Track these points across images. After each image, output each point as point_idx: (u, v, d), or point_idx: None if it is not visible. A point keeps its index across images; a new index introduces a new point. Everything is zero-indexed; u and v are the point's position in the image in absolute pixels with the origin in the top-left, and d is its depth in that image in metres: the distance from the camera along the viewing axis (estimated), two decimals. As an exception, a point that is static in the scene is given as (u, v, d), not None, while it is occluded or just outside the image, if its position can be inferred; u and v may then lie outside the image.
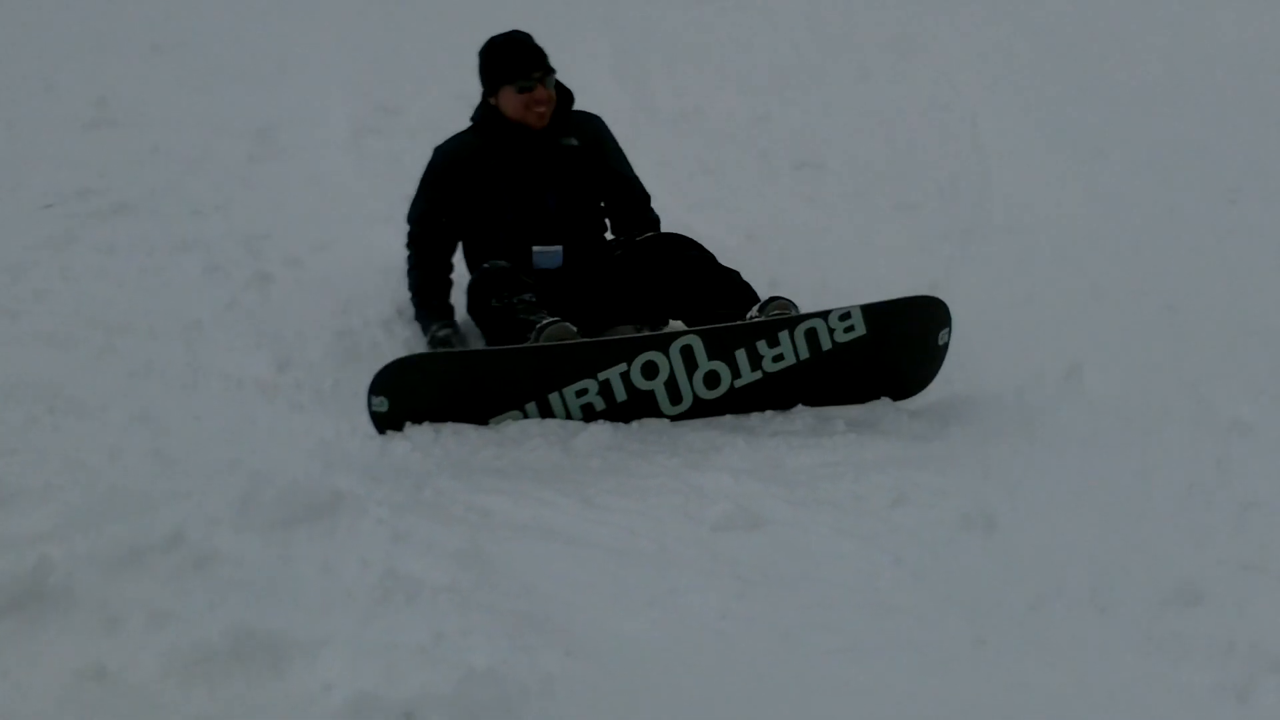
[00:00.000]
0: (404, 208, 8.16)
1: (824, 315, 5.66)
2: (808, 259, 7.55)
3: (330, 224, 7.97)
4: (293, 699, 3.38)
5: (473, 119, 6.49)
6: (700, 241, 6.27)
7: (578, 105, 6.59)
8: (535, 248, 6.22)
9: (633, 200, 6.54)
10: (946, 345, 5.87)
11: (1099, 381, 5.92)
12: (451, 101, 10.49)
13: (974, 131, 10.21)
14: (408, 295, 6.44)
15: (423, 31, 12.95)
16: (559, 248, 6.26)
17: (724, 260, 6.22)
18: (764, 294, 6.05)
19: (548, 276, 6.19)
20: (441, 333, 6.03)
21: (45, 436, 5.08)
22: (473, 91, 10.67)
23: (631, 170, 6.63)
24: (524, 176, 6.32)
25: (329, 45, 12.59)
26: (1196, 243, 7.80)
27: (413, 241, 6.48)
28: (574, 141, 6.43)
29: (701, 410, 5.63)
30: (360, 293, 6.83)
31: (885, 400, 5.78)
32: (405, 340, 6.29)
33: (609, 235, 6.60)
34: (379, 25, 13.31)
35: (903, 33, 13.02)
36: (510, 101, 6.31)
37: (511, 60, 6.34)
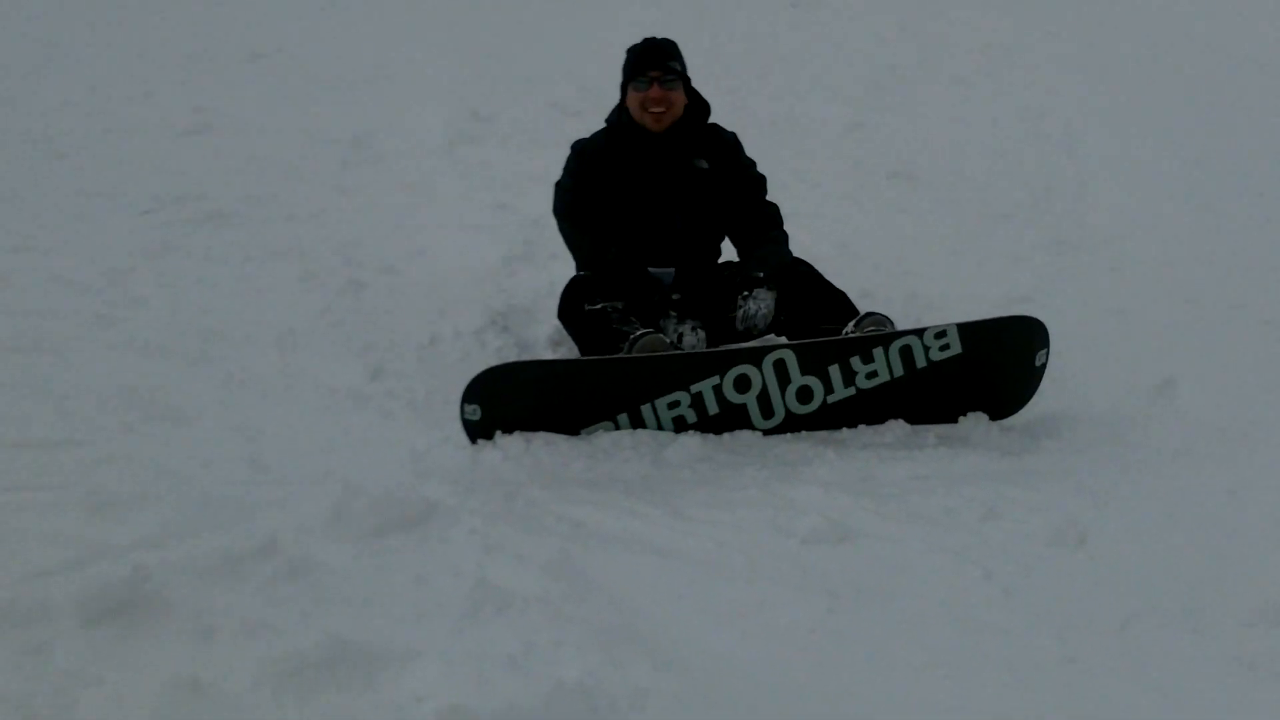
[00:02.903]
0: (498, 215, 8.24)
1: (919, 333, 5.63)
2: (900, 269, 7.55)
3: (424, 231, 8.03)
4: (384, 710, 3.39)
5: (607, 120, 6.44)
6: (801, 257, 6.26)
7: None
8: (650, 269, 6.16)
9: (757, 221, 6.35)
10: (1044, 366, 5.82)
11: (1193, 396, 5.89)
12: (543, 109, 10.59)
13: (1069, 139, 10.15)
14: (575, 272, 6.30)
15: (515, 39, 13.00)
16: (671, 270, 6.25)
17: (822, 270, 6.20)
18: (857, 305, 6.03)
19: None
20: (644, 337, 5.66)
21: (140, 444, 5.10)
22: (564, 100, 10.80)
23: (759, 187, 6.47)
24: (654, 193, 6.27)
25: (422, 53, 12.64)
26: (1295, 255, 7.73)
27: (566, 214, 6.32)
28: (704, 164, 6.34)
29: (794, 425, 5.62)
30: (453, 300, 6.86)
31: (976, 414, 5.74)
32: (497, 349, 6.31)
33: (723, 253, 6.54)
34: (471, 33, 13.35)
35: (997, 39, 12.94)
36: (631, 101, 6.28)
37: (633, 60, 6.31)
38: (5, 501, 4.42)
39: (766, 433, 5.59)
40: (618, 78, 6.41)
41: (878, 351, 5.59)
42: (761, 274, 6.07)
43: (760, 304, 6.02)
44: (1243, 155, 9.66)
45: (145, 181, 8.63)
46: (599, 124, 6.52)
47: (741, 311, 6.03)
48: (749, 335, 6.10)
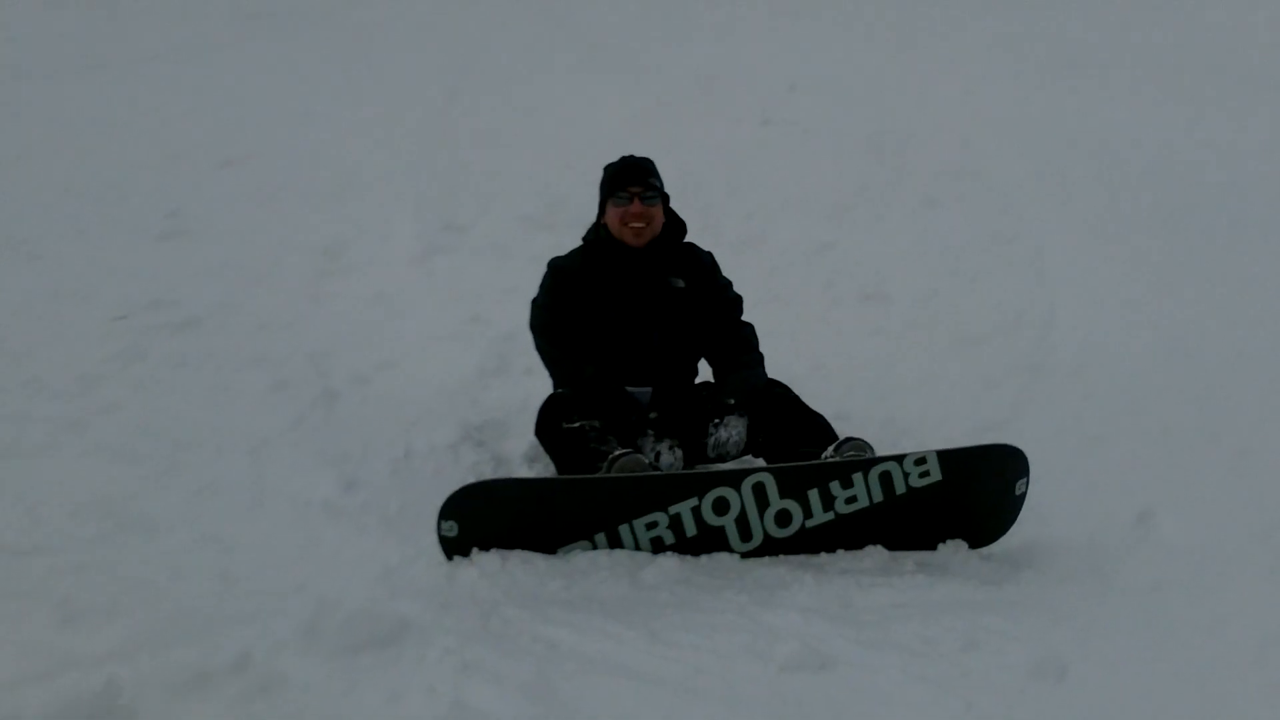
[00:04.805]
0: (470, 327, 8.24)
1: (899, 459, 5.59)
2: (875, 392, 7.55)
3: (397, 342, 8.02)
4: (360, 835, 3.35)
5: (584, 238, 6.48)
6: (777, 378, 6.28)
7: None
8: (628, 388, 6.16)
9: (732, 343, 6.40)
10: (1024, 495, 5.80)
11: (1170, 527, 5.87)
12: (515, 222, 10.60)
13: (1040, 264, 10.17)
14: (550, 390, 6.30)
15: (485, 153, 13.04)
16: (648, 389, 6.23)
17: (798, 391, 6.23)
18: (835, 428, 6.02)
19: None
20: (623, 457, 5.64)
21: (112, 554, 5.06)
22: (535, 213, 10.82)
23: (734, 308, 6.54)
24: (632, 309, 6.30)
25: (396, 162, 12.68)
26: (1268, 384, 7.72)
27: (544, 331, 6.30)
28: (681, 283, 6.39)
29: (772, 548, 5.58)
30: (426, 413, 6.83)
31: (955, 541, 5.71)
32: (472, 464, 6.28)
33: (700, 369, 6.56)
34: (442, 145, 13.41)
35: (967, 163, 13.00)
36: (611, 217, 6.33)
37: (613, 176, 6.37)
38: (-25, 609, 4.38)
39: (744, 555, 5.55)
40: (589, 193, 6.44)
41: (857, 477, 5.56)
42: (733, 400, 6.08)
43: (731, 431, 6.03)
44: (1210, 282, 9.69)
45: (119, 286, 8.60)
46: (570, 238, 6.56)
47: (713, 439, 6.03)
48: (722, 460, 6.10)
